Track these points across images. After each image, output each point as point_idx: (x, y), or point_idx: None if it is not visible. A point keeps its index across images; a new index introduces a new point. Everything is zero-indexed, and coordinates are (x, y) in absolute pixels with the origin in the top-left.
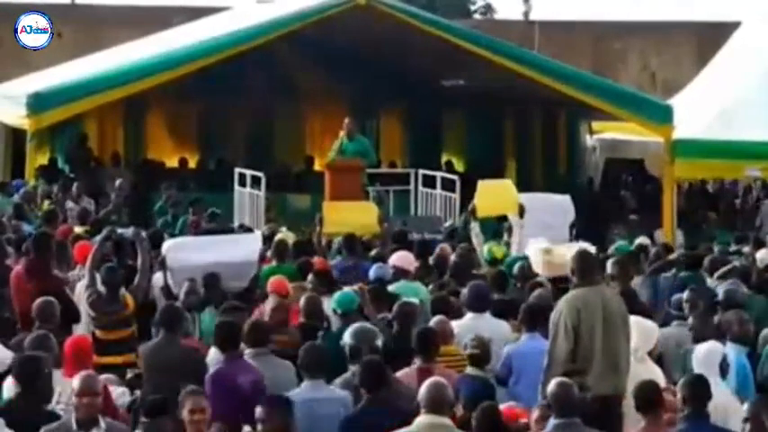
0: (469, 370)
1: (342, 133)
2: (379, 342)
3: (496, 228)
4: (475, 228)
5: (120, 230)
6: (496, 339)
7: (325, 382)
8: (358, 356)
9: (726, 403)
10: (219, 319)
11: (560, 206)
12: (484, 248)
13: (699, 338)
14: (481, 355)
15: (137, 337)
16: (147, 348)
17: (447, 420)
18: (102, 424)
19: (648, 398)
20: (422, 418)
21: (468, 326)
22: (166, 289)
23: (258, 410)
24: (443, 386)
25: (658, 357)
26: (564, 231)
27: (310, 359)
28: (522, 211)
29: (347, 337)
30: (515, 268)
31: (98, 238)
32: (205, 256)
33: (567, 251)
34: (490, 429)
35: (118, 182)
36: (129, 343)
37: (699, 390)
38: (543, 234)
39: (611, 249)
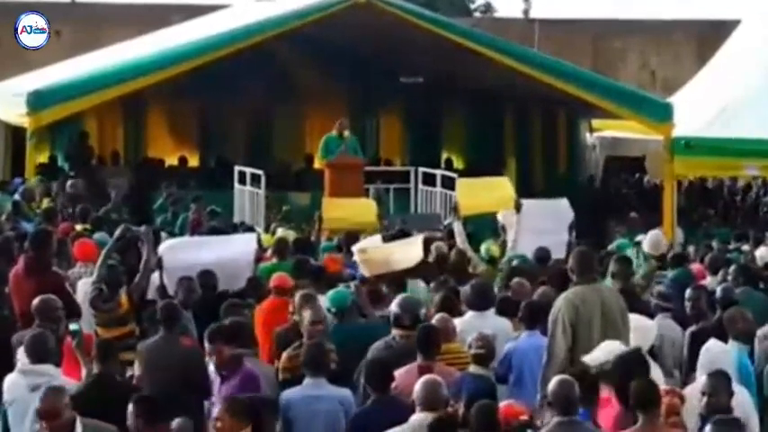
0: (472, 368)
1: (346, 133)
2: (422, 312)
3: (495, 226)
4: (457, 226)
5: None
6: (499, 337)
7: (326, 380)
8: (398, 323)
9: (744, 403)
10: (224, 317)
11: (556, 210)
12: (482, 247)
13: (698, 338)
14: (486, 354)
15: (137, 335)
16: (145, 346)
17: None
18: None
19: (645, 395)
20: (416, 416)
21: (470, 324)
22: (162, 289)
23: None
24: (438, 384)
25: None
26: (562, 235)
27: (311, 357)
28: (518, 207)
29: (393, 305)
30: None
31: (98, 235)
32: (201, 256)
33: (386, 248)
34: (487, 427)
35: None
36: (127, 341)
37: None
38: (538, 240)
39: (611, 247)
